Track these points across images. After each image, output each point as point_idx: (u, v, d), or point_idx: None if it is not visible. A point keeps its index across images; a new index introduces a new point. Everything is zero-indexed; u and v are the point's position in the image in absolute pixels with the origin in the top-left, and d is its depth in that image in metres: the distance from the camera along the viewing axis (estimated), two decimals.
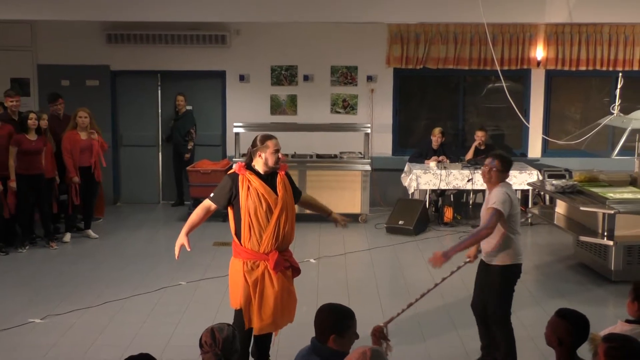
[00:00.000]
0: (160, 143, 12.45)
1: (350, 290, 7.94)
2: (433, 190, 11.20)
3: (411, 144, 12.33)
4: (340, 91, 12.26)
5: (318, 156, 11.33)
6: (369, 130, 11.20)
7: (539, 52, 11.94)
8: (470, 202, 11.88)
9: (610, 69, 11.88)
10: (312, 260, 8.53)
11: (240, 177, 5.42)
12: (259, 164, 5.45)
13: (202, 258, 9.10)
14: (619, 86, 8.37)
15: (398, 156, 12.20)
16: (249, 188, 5.36)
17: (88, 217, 10.19)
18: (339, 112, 12.26)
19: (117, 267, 8.77)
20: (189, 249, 5.59)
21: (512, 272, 5.74)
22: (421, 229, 10.52)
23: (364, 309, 7.14)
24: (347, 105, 12.26)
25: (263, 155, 5.41)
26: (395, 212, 10.70)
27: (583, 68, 11.99)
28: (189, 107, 12.05)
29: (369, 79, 12.17)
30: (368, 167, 11.10)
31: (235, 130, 11.11)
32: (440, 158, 11.26)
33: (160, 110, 12.43)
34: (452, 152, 11.65)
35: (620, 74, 8.57)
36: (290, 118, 12.20)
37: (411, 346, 6.41)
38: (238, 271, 5.44)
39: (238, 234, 5.44)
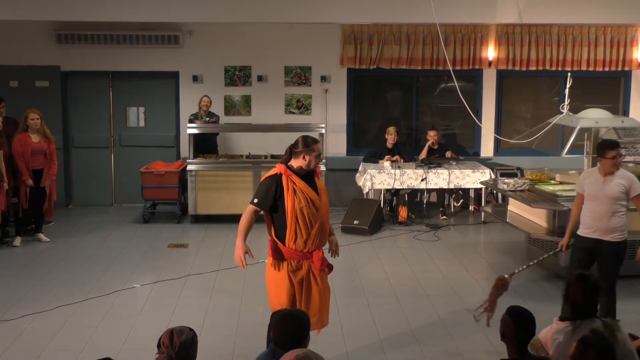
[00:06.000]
0: (112, 144, 12.29)
1: None
2: (387, 190, 11.28)
3: (365, 144, 12.39)
4: (294, 91, 12.27)
5: (272, 157, 11.30)
6: (323, 131, 11.21)
7: (490, 52, 12.10)
8: (425, 201, 11.97)
9: (560, 69, 12.10)
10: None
11: (284, 178, 5.38)
12: (299, 164, 5.45)
13: (156, 260, 9.02)
14: (567, 86, 8.51)
15: (352, 156, 12.26)
16: (294, 190, 5.35)
17: (39, 220, 10.02)
18: (293, 113, 12.27)
19: (70, 270, 8.63)
20: (252, 258, 5.50)
21: (626, 246, 6.46)
22: (376, 228, 10.58)
23: None
24: (302, 106, 12.27)
25: (307, 157, 5.43)
26: (350, 212, 10.74)
27: (533, 68, 12.19)
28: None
29: (323, 79, 12.20)
30: (323, 167, 11.12)
31: (189, 131, 11.03)
32: (395, 157, 11.35)
33: (112, 112, 12.28)
34: (406, 152, 11.77)
35: (569, 74, 8.72)
36: (245, 119, 12.17)
37: (367, 344, 6.43)
38: (282, 272, 5.41)
39: (281, 235, 5.39)
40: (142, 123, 12.39)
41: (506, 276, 5.45)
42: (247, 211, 5.48)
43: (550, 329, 4.52)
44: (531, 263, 6.93)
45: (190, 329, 3.95)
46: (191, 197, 10.93)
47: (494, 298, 5.99)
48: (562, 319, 4.52)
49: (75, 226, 10.88)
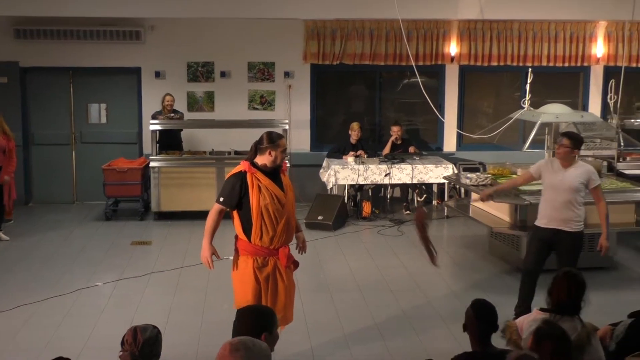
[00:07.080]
0: (73, 141, 12.13)
1: None
2: (351, 185, 11.30)
3: (329, 140, 12.40)
4: (257, 87, 12.23)
5: (236, 153, 11.26)
6: (287, 127, 11.18)
7: (453, 48, 12.19)
8: (388, 196, 12.03)
9: (521, 64, 12.24)
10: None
11: (248, 176, 5.35)
12: (264, 161, 5.43)
13: (119, 258, 8.94)
14: (528, 81, 8.61)
15: (316, 152, 12.26)
16: (259, 187, 5.33)
17: None
18: (256, 109, 12.23)
19: (30, 269, 8.51)
20: (219, 258, 5.50)
21: (583, 236, 6.67)
22: (340, 224, 10.60)
23: None
24: (265, 102, 12.23)
25: (273, 153, 5.43)
26: (314, 207, 10.74)
27: (495, 63, 12.32)
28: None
29: (286, 75, 12.18)
30: (287, 163, 11.08)
31: (152, 127, 10.94)
32: (358, 153, 11.38)
33: (73, 108, 12.12)
34: (370, 147, 11.81)
35: (529, 69, 8.83)
36: (208, 115, 12.10)
37: (332, 339, 6.45)
38: (248, 269, 5.40)
39: (247, 232, 5.38)
40: (103, 119, 12.25)
41: (422, 207, 5.57)
42: (212, 210, 5.47)
43: (529, 316, 4.59)
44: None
45: (154, 327, 3.94)
46: (154, 194, 10.85)
47: (424, 237, 6.05)
48: (542, 309, 4.57)
49: (35, 224, 10.72)
